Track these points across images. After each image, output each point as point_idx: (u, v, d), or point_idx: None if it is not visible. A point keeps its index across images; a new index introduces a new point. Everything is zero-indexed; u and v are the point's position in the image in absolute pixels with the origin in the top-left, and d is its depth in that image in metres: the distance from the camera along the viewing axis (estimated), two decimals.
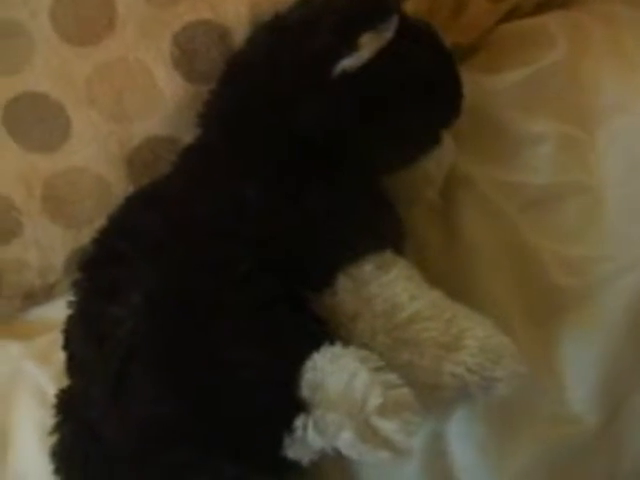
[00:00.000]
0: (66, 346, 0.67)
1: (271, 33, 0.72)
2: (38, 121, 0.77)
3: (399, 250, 0.68)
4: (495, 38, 0.95)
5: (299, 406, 0.56)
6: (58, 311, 0.82)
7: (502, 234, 0.79)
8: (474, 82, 0.78)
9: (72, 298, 0.67)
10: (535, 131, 0.86)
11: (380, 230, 0.67)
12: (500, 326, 0.64)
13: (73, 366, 0.66)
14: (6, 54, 0.77)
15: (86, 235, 0.79)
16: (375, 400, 0.54)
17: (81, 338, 0.64)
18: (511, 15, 0.96)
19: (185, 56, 0.76)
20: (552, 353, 0.72)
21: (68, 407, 0.66)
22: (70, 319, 0.67)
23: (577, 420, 0.69)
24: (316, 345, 0.58)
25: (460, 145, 0.81)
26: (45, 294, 0.84)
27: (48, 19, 0.76)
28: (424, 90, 0.71)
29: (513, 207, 0.81)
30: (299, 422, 0.55)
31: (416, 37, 0.71)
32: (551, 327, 0.73)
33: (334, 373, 0.56)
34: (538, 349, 0.72)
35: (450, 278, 0.74)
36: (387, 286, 0.63)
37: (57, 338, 0.78)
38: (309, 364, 0.57)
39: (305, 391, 0.56)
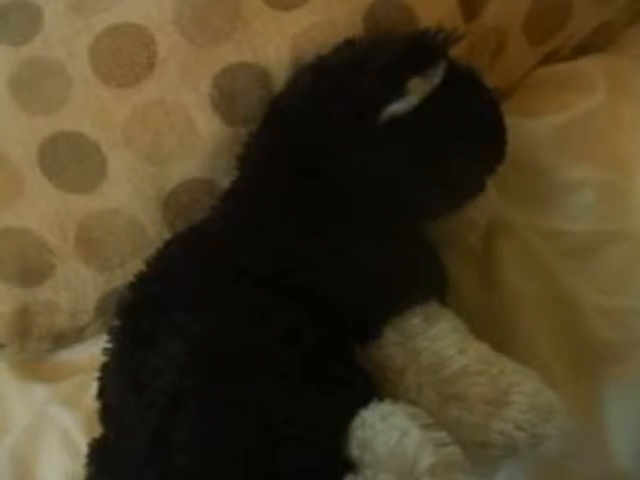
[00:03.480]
0: (101, 395, 0.65)
1: (314, 76, 0.71)
2: (74, 161, 0.76)
3: (443, 299, 0.67)
4: (533, 81, 0.95)
5: (348, 465, 0.54)
6: (86, 353, 0.82)
7: (542, 283, 0.78)
8: (512, 126, 0.76)
9: (108, 345, 0.65)
10: (575, 178, 0.85)
11: (426, 280, 0.66)
12: (540, 375, 0.62)
13: (108, 416, 0.64)
14: (44, 93, 0.77)
15: (119, 277, 0.79)
16: (426, 460, 0.53)
17: (118, 388, 0.62)
18: (549, 58, 0.95)
19: (224, 98, 0.75)
20: (595, 407, 0.71)
21: (102, 458, 0.64)
22: (105, 367, 0.65)
23: (622, 476, 0.68)
24: (364, 401, 0.57)
25: (499, 191, 0.80)
26: (75, 336, 0.83)
27: (87, 59, 0.75)
28: (471, 136, 0.70)
29: (553, 255, 0.80)
30: None
31: (462, 82, 0.70)
32: (593, 380, 0.72)
33: (384, 431, 0.54)
34: (580, 402, 0.70)
35: (490, 327, 0.72)
36: (434, 339, 0.62)
37: (85, 381, 0.78)
38: (358, 421, 0.56)
39: (354, 450, 0.55)
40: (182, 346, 0.58)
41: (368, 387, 0.60)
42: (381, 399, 0.57)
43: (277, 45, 0.76)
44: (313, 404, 0.56)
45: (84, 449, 0.67)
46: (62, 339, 0.82)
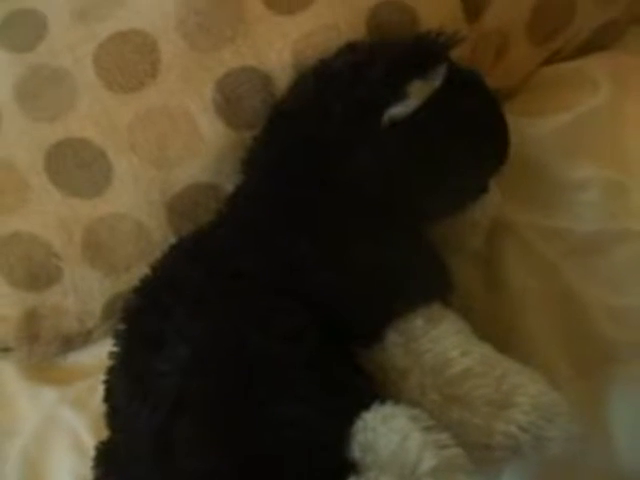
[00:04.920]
0: (107, 398, 0.65)
1: (317, 80, 0.71)
2: (80, 167, 0.77)
3: (446, 300, 0.67)
4: (536, 81, 0.95)
5: (350, 467, 0.54)
6: (94, 356, 0.83)
7: (546, 282, 0.78)
8: (515, 126, 0.77)
9: (114, 349, 0.66)
10: (579, 177, 0.85)
11: (429, 282, 0.66)
12: (545, 377, 0.62)
13: (115, 419, 0.64)
14: (49, 100, 0.77)
15: (125, 281, 0.79)
16: (428, 462, 0.53)
17: (124, 391, 0.63)
18: (552, 58, 0.95)
19: (228, 102, 0.76)
20: (600, 406, 0.71)
21: (109, 460, 0.64)
22: (112, 371, 0.65)
23: (626, 476, 0.68)
24: (366, 403, 0.57)
25: (503, 191, 0.80)
26: (83, 340, 0.83)
27: (92, 65, 0.76)
28: (472, 138, 0.70)
29: (557, 255, 0.80)
30: None
31: (463, 84, 0.70)
32: (598, 379, 0.72)
33: (386, 434, 0.54)
34: (585, 401, 0.70)
35: (494, 327, 0.72)
36: (437, 341, 0.62)
37: (94, 384, 0.79)
38: (360, 424, 0.56)
39: (356, 452, 0.55)
40: (186, 350, 0.59)
41: (370, 389, 0.60)
42: (383, 401, 0.57)
43: (279, 49, 0.76)
44: (316, 407, 0.56)
45: (92, 450, 0.68)
46: (70, 342, 0.83)
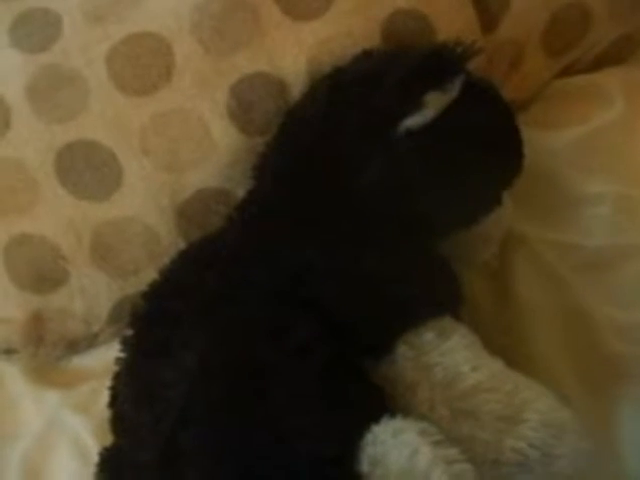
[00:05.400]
0: (112, 404, 0.65)
1: (331, 88, 0.71)
2: (90, 169, 0.76)
3: (456, 313, 0.66)
4: (551, 93, 0.94)
5: None
6: (99, 359, 0.82)
7: (556, 296, 0.78)
8: (529, 138, 0.76)
9: (121, 355, 0.65)
10: (592, 191, 0.85)
11: (440, 294, 0.65)
12: (553, 390, 0.62)
13: (120, 426, 0.64)
14: (61, 101, 0.77)
15: (132, 285, 0.78)
16: (437, 478, 0.53)
17: (130, 398, 0.63)
18: (567, 70, 0.95)
19: (241, 108, 0.75)
20: (609, 422, 0.70)
21: (113, 467, 0.64)
22: (118, 377, 0.65)
23: None
24: (375, 416, 0.56)
25: (514, 203, 0.80)
26: (88, 343, 0.83)
27: (104, 67, 0.76)
28: (487, 150, 0.69)
29: (568, 269, 0.80)
30: None
31: (479, 95, 0.70)
32: (607, 395, 0.71)
33: (395, 448, 0.54)
34: (594, 418, 0.69)
35: (503, 340, 0.72)
36: (447, 355, 0.61)
37: (97, 388, 0.78)
38: (369, 437, 0.55)
39: (365, 465, 0.54)
40: (194, 359, 0.58)
41: (380, 402, 0.59)
42: (393, 414, 0.57)
43: (294, 55, 0.76)
44: (325, 419, 0.56)
45: (95, 455, 0.67)
46: (75, 345, 0.82)
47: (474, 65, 0.71)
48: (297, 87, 0.75)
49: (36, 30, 0.79)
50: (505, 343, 0.72)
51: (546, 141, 0.87)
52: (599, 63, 0.97)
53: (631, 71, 0.96)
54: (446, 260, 0.68)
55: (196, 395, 0.57)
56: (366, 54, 0.73)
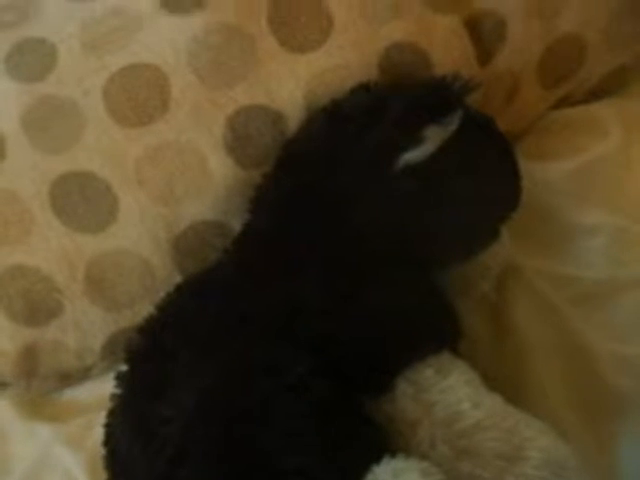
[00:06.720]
0: (107, 442, 0.64)
1: (329, 122, 0.71)
2: (85, 201, 0.75)
3: (455, 348, 0.66)
4: (545, 125, 0.94)
5: None
6: (91, 392, 0.82)
7: (554, 330, 0.78)
8: (524, 170, 0.76)
9: (116, 391, 0.64)
10: (588, 223, 0.84)
11: (438, 330, 0.65)
12: (552, 425, 0.62)
13: (114, 463, 0.63)
14: (56, 131, 0.76)
15: (127, 318, 0.78)
16: None
17: (125, 435, 0.61)
18: (562, 102, 0.95)
19: (238, 140, 0.75)
20: (608, 456, 0.69)
21: None
22: (112, 413, 0.64)
23: None
24: (375, 455, 0.56)
25: (510, 235, 0.80)
26: (81, 376, 0.82)
27: (101, 99, 0.75)
28: (485, 184, 0.69)
29: (565, 301, 0.80)
30: None
31: (477, 129, 0.70)
32: (608, 429, 0.71)
33: None
34: (594, 452, 0.69)
35: (502, 374, 0.72)
36: (447, 392, 0.61)
37: (89, 422, 0.78)
38: (370, 478, 0.55)
39: None
40: (191, 396, 0.58)
41: (380, 441, 0.59)
42: (393, 453, 0.56)
43: (291, 88, 0.76)
44: (322, 458, 0.55)
45: None
46: (68, 378, 0.82)
47: (470, 97, 0.71)
48: (294, 119, 0.75)
49: (32, 60, 0.78)
50: (502, 376, 0.71)
51: (542, 173, 0.87)
52: (594, 94, 0.97)
53: (627, 102, 0.96)
54: (444, 294, 0.68)
55: (193, 432, 0.57)
56: (363, 87, 0.73)
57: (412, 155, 0.65)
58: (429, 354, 0.62)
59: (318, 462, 0.55)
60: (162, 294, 0.69)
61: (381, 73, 0.77)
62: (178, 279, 0.74)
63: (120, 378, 0.64)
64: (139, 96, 0.75)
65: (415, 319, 0.64)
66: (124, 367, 0.65)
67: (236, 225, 0.75)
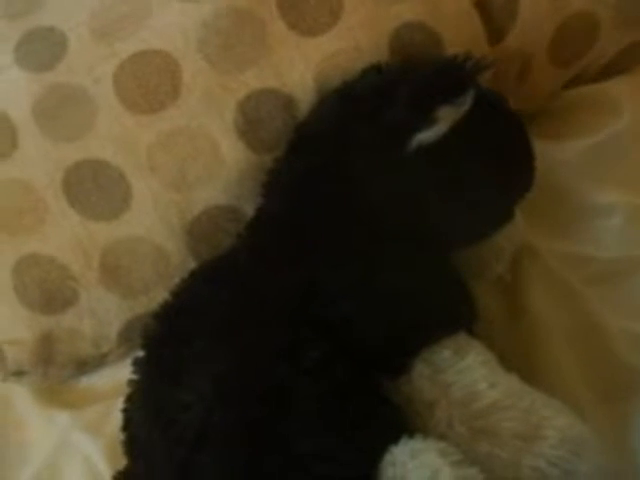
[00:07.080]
0: (126, 427, 0.64)
1: (340, 103, 0.71)
2: (98, 189, 0.75)
3: (470, 329, 0.66)
4: (558, 104, 0.94)
5: None
6: (108, 379, 0.82)
7: (569, 309, 0.77)
8: (538, 150, 0.76)
9: (133, 377, 0.64)
10: (603, 202, 0.84)
11: (456, 311, 0.65)
12: (568, 404, 0.62)
13: (133, 449, 0.63)
14: (68, 120, 0.76)
15: (142, 305, 0.78)
16: None
17: (144, 421, 0.62)
18: (575, 80, 0.94)
19: (249, 124, 0.75)
20: (623, 433, 0.69)
21: None
22: (130, 399, 0.64)
23: None
24: (393, 436, 0.56)
25: (526, 215, 0.79)
26: (97, 363, 0.82)
27: (112, 86, 0.75)
28: (499, 165, 0.69)
29: (580, 281, 0.79)
30: None
31: (490, 109, 0.69)
32: (622, 407, 0.70)
33: (415, 469, 0.54)
34: (608, 428, 0.69)
35: (518, 354, 0.72)
36: (464, 373, 0.61)
37: (107, 408, 0.78)
38: (388, 458, 0.55)
39: None
40: (209, 381, 0.58)
41: (398, 422, 0.59)
42: (411, 434, 0.56)
43: (302, 71, 0.75)
44: (342, 440, 0.55)
45: (106, 477, 0.67)
46: (84, 366, 0.82)
47: (481, 77, 0.71)
48: (305, 102, 0.75)
49: (42, 49, 0.78)
50: (518, 356, 0.71)
51: (555, 152, 0.87)
52: (607, 72, 0.96)
53: (638, 79, 0.95)
54: (460, 275, 0.68)
55: (213, 418, 0.57)
56: (375, 68, 0.73)
57: (425, 136, 0.64)
58: (445, 335, 0.62)
59: (336, 445, 0.55)
60: (177, 280, 0.69)
61: (392, 54, 0.76)
62: (192, 265, 0.75)
63: (137, 364, 0.65)
64: (150, 82, 0.75)
65: (431, 301, 0.64)
66: (141, 353, 0.65)
67: (249, 209, 0.75)
